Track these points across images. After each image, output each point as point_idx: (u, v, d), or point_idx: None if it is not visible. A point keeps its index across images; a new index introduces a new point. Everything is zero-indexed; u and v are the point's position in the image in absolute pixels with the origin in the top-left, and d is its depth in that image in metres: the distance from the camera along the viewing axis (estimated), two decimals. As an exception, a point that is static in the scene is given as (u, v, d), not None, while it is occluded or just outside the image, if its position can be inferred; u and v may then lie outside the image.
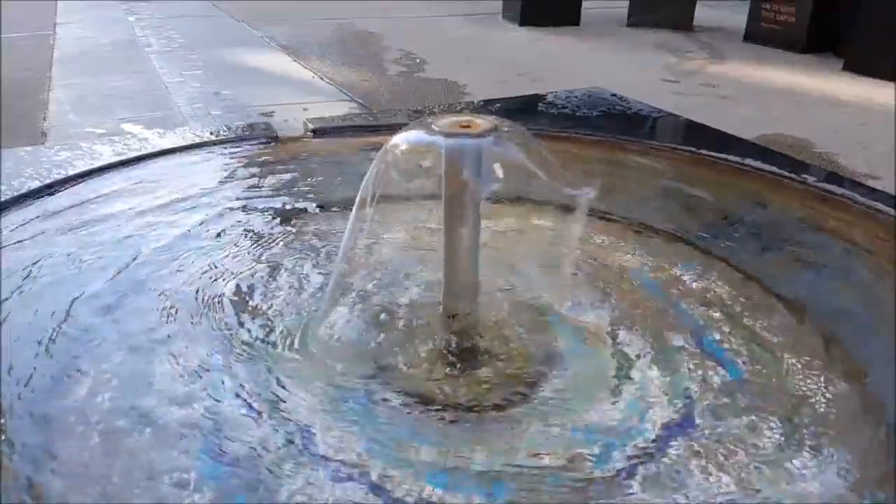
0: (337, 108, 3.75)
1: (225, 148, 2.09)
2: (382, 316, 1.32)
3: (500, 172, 1.14)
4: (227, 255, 1.52)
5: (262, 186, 1.87)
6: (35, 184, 1.75)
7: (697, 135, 2.36)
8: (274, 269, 1.47)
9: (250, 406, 1.09)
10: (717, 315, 1.34)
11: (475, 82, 4.55)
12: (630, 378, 1.18)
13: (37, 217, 1.62)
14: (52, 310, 1.29)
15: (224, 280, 1.43)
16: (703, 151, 2.06)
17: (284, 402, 1.11)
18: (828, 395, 1.13)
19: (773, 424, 1.07)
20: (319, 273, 1.46)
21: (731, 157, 1.99)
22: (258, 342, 1.25)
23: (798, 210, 1.74)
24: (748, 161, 1.97)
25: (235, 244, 1.57)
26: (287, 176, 1.95)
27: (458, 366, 1.19)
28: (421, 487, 0.95)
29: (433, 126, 1.11)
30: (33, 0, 7.29)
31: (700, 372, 1.19)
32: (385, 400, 1.12)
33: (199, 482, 0.94)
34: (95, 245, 1.53)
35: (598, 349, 1.26)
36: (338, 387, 1.15)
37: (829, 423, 1.08)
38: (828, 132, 3.60)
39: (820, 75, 4.86)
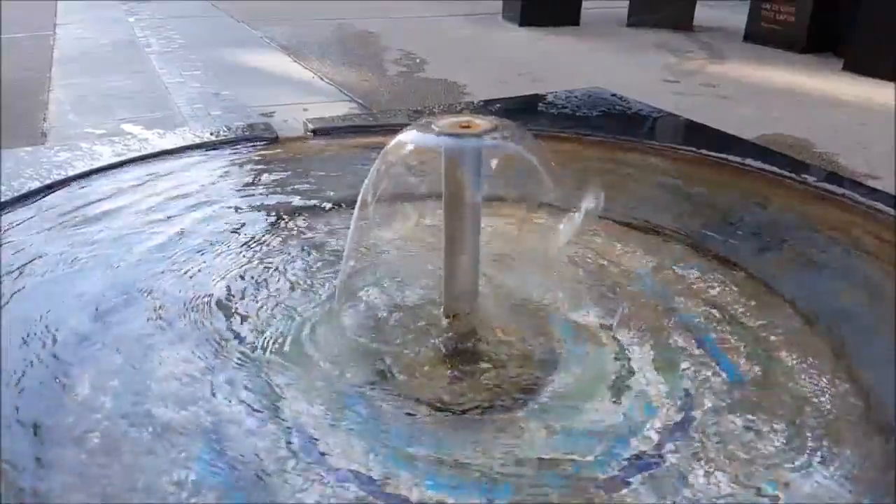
0: (337, 109, 3.74)
1: (225, 148, 2.09)
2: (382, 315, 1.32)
3: (499, 173, 1.14)
4: (224, 255, 1.52)
5: (260, 185, 1.87)
6: (35, 184, 1.75)
7: (697, 135, 2.36)
8: (272, 269, 1.47)
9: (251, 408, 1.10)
10: (716, 314, 1.34)
11: (475, 82, 4.54)
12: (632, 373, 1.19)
13: (35, 216, 1.62)
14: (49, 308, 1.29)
15: (223, 281, 1.43)
16: (704, 151, 2.06)
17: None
18: (828, 395, 1.13)
19: (774, 425, 1.07)
20: (320, 273, 1.46)
21: (731, 157, 1.99)
22: (253, 350, 1.24)
23: (798, 210, 1.74)
24: (748, 161, 1.97)
25: (234, 244, 1.57)
26: (287, 175, 1.95)
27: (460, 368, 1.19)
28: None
29: (433, 126, 1.11)
30: (33, 0, 7.28)
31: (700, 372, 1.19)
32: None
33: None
34: (92, 244, 1.53)
35: (598, 349, 1.26)
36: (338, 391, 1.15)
37: (829, 424, 1.08)
38: (828, 132, 3.59)
39: (820, 75, 4.86)
